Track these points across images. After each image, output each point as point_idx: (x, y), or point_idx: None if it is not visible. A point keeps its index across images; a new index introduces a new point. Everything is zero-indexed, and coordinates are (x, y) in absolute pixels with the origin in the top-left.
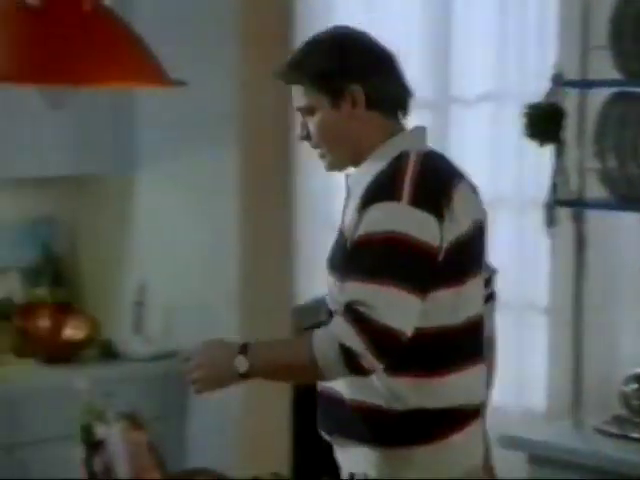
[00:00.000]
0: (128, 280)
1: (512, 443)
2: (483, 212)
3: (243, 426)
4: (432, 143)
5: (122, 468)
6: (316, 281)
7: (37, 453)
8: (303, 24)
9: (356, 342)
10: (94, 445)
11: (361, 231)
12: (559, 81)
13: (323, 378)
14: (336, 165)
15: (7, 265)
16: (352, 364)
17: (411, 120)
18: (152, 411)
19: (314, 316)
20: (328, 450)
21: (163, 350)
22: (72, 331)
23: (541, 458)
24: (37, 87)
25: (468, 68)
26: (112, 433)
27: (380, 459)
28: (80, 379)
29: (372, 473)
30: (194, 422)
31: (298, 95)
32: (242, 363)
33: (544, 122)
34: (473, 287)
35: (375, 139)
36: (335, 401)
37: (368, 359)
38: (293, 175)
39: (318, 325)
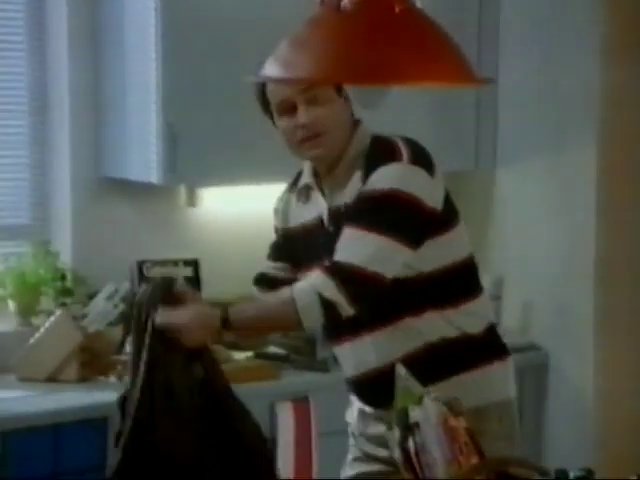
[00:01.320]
0: (486, 274)
1: None
2: None
3: (598, 417)
4: None
5: (437, 452)
6: None
7: None
8: None
9: (334, 292)
10: (409, 427)
11: (368, 187)
12: None
13: (299, 324)
14: (328, 154)
15: None
16: (329, 312)
17: None
18: None
19: None
20: None
21: (517, 344)
22: None
23: None
24: (351, 87)
25: None
26: (428, 416)
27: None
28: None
29: None
30: (550, 410)
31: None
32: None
33: None
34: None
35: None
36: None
37: (344, 307)
38: None
39: None
